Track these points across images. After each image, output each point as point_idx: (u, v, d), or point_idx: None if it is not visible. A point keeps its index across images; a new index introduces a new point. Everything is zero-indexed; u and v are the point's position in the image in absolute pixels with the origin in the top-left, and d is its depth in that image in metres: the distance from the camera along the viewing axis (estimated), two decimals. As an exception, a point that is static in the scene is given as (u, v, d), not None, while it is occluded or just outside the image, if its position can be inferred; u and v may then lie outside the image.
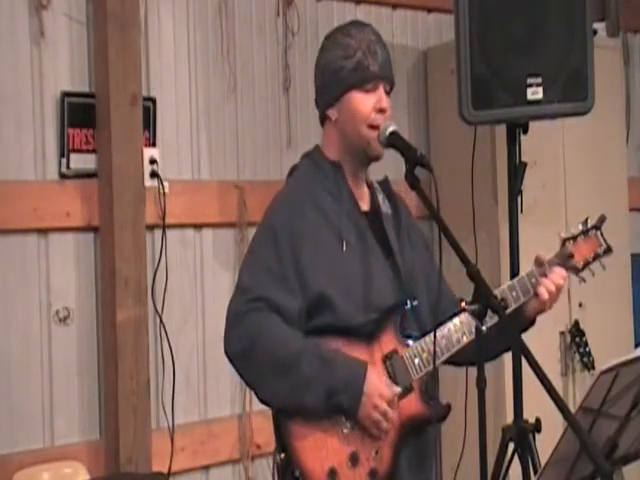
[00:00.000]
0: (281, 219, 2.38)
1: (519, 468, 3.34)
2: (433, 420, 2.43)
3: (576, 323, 4.18)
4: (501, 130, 3.64)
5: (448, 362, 2.49)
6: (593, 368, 4.11)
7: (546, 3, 3.43)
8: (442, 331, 2.42)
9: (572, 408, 2.08)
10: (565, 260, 2.56)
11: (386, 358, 2.39)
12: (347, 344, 2.36)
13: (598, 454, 1.99)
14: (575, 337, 4.16)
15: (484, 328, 2.27)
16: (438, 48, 4.40)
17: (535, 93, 3.40)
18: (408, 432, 2.38)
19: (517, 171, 3.50)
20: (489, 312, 2.23)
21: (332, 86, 2.43)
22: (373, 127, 2.42)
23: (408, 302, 2.46)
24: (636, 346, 4.38)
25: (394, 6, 4.40)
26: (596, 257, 2.58)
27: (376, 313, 2.39)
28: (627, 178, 4.54)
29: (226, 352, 2.34)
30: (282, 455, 2.30)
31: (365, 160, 2.49)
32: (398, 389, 2.37)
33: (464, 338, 2.42)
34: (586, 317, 4.20)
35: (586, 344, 4.15)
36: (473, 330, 2.33)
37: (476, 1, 3.42)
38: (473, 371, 2.31)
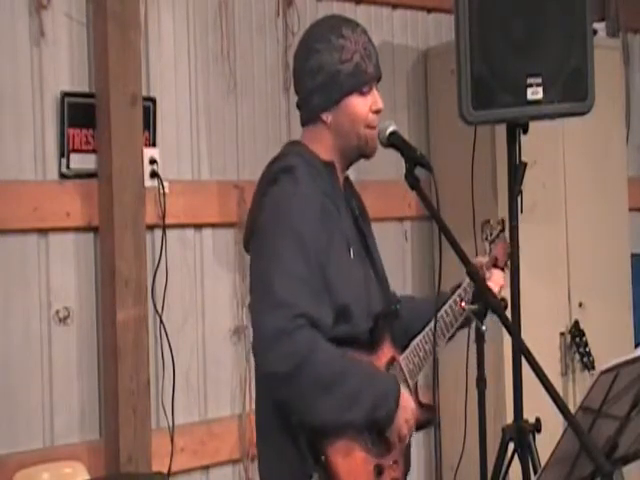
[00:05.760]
0: (300, 222, 2.27)
1: (519, 468, 3.35)
2: (430, 423, 2.48)
3: (576, 323, 4.18)
4: (501, 130, 3.63)
5: None
6: (593, 368, 4.11)
7: (546, 3, 3.43)
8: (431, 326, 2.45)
9: (572, 408, 2.08)
10: (494, 262, 2.69)
11: (389, 366, 2.41)
12: (362, 354, 2.35)
13: (598, 454, 1.99)
14: (575, 337, 4.15)
15: (484, 328, 2.29)
16: (438, 48, 4.40)
17: (535, 93, 3.40)
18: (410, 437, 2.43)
19: (517, 171, 3.49)
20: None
21: (328, 91, 2.39)
22: (370, 127, 2.42)
23: (394, 307, 2.48)
24: (636, 346, 4.38)
25: (394, 6, 4.40)
26: (509, 257, 2.76)
27: (372, 319, 2.40)
28: (627, 178, 4.54)
29: (268, 371, 2.22)
30: (316, 475, 2.25)
31: (357, 158, 2.48)
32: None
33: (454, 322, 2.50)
34: (586, 317, 4.20)
35: (586, 344, 4.15)
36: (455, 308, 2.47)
37: (476, 1, 3.42)
38: (473, 371, 2.32)
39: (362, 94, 2.40)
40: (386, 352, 2.41)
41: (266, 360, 2.20)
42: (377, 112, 2.43)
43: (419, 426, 2.46)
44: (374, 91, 2.44)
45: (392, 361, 2.41)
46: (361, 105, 2.40)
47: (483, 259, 2.63)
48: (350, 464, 2.28)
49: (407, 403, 2.34)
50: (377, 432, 2.33)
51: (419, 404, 2.44)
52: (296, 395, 2.22)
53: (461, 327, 2.56)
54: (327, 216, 2.34)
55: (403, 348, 2.45)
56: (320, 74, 2.39)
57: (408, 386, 2.43)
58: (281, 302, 2.19)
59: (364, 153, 2.46)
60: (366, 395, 2.26)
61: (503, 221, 2.75)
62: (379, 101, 2.43)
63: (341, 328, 2.30)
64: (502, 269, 2.69)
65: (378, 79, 2.47)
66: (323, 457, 2.24)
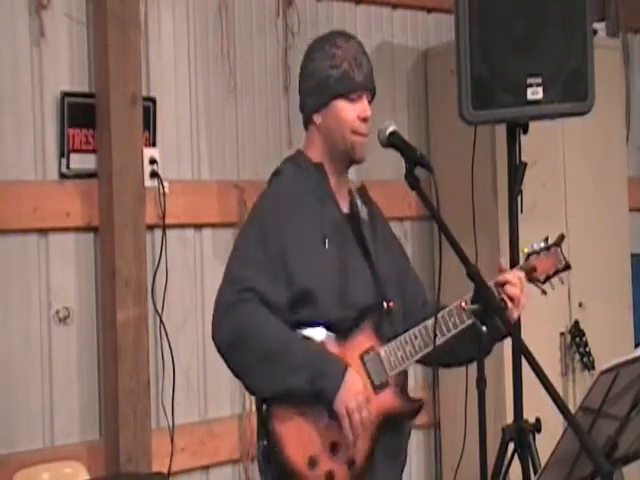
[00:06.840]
0: (268, 216, 2.48)
1: (519, 468, 3.35)
2: (407, 415, 2.52)
3: (576, 323, 4.18)
4: (501, 130, 3.64)
5: (419, 361, 2.56)
6: (593, 368, 4.11)
7: (546, 3, 3.43)
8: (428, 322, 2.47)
9: (572, 408, 2.08)
10: (528, 272, 2.65)
11: (364, 354, 2.46)
12: (327, 338, 2.44)
13: (598, 454, 2.00)
14: (575, 337, 4.16)
15: (484, 328, 2.29)
16: (438, 48, 4.40)
17: (535, 93, 3.40)
18: (384, 425, 2.45)
19: (517, 171, 3.50)
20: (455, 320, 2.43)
21: (318, 93, 2.54)
22: (356, 133, 2.52)
23: (385, 304, 2.52)
24: (636, 346, 4.37)
25: (394, 6, 4.40)
26: (556, 272, 2.69)
27: (354, 311, 2.47)
28: (627, 178, 4.54)
29: (215, 340, 2.41)
30: (264, 442, 2.38)
31: (347, 162, 2.58)
32: (373, 394, 2.44)
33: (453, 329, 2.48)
34: (586, 317, 4.20)
35: (586, 344, 4.15)
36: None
37: (476, 1, 3.42)
38: (473, 371, 2.32)
39: (350, 100, 2.52)
40: (364, 341, 2.46)
41: (214, 330, 2.41)
42: (364, 120, 2.52)
43: (403, 417, 2.51)
44: (364, 100, 2.54)
45: (370, 350, 2.46)
46: (348, 110, 2.52)
47: (504, 264, 2.60)
48: (298, 435, 2.37)
49: (354, 383, 2.38)
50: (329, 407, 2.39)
51: (404, 396, 2.49)
52: (238, 363, 2.40)
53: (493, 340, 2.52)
54: (303, 211, 2.47)
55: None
56: (313, 78, 2.56)
57: (387, 375, 2.46)
58: (232, 279, 2.42)
59: (352, 158, 2.56)
60: (307, 367, 2.35)
61: (563, 236, 2.71)
62: (367, 110, 2.53)
63: (304, 312, 2.42)
64: (542, 282, 2.64)
65: (371, 92, 2.57)
66: (270, 427, 2.37)
